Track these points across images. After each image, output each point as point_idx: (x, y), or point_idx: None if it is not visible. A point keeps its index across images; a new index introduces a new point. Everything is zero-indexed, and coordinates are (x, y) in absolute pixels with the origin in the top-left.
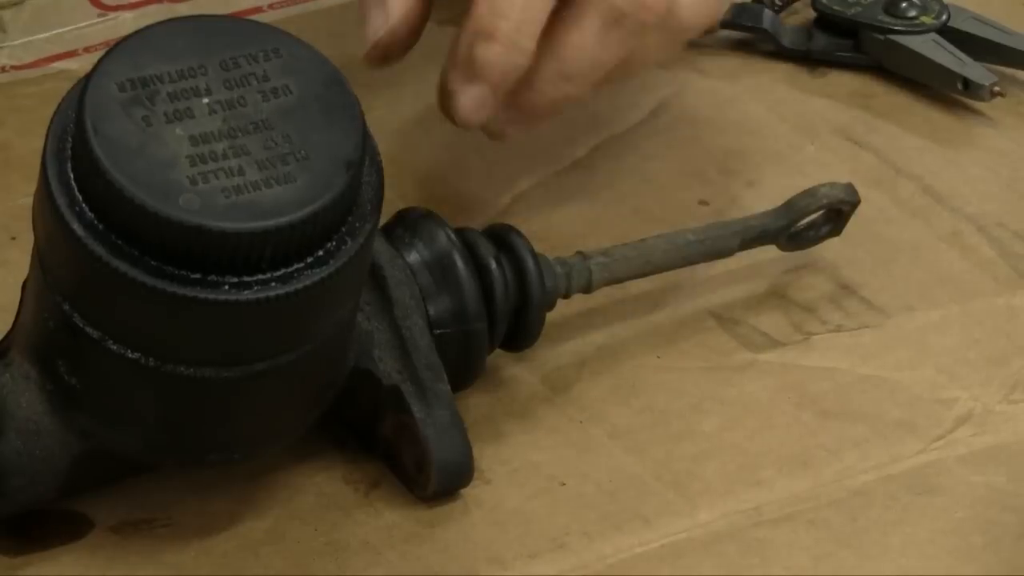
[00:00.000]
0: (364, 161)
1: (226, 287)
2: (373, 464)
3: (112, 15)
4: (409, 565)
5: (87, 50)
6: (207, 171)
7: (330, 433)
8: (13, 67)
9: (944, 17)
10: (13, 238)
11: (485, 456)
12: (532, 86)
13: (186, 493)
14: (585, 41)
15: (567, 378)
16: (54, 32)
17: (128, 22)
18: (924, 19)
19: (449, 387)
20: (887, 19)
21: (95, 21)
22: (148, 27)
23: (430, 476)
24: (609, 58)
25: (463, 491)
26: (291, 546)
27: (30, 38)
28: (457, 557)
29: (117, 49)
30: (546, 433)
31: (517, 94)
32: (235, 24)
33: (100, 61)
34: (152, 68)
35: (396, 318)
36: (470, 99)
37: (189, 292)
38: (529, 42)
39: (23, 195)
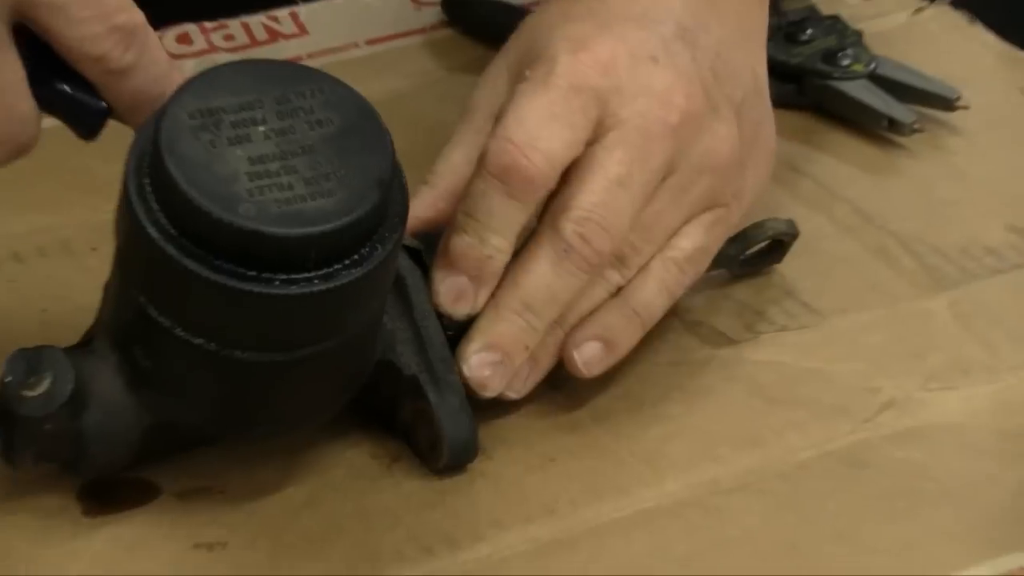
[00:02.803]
0: (393, 181)
1: (276, 283)
2: (394, 442)
3: (178, 62)
4: (424, 527)
5: None
6: (262, 186)
7: (357, 415)
8: None
9: (873, 65)
10: (94, 249)
11: (489, 436)
12: (499, 315)
13: (237, 465)
14: (541, 269)
15: (559, 373)
16: None
17: (191, 67)
18: (856, 67)
19: (459, 378)
20: (825, 67)
21: None
22: (216, 67)
23: (442, 453)
24: (565, 288)
25: (469, 466)
26: (326, 510)
27: None
28: (465, 521)
29: (189, 84)
30: (540, 417)
31: (485, 331)
32: (288, 67)
33: (175, 94)
34: (218, 100)
35: (416, 319)
36: (448, 287)
37: (245, 286)
38: (498, 240)
39: (104, 212)
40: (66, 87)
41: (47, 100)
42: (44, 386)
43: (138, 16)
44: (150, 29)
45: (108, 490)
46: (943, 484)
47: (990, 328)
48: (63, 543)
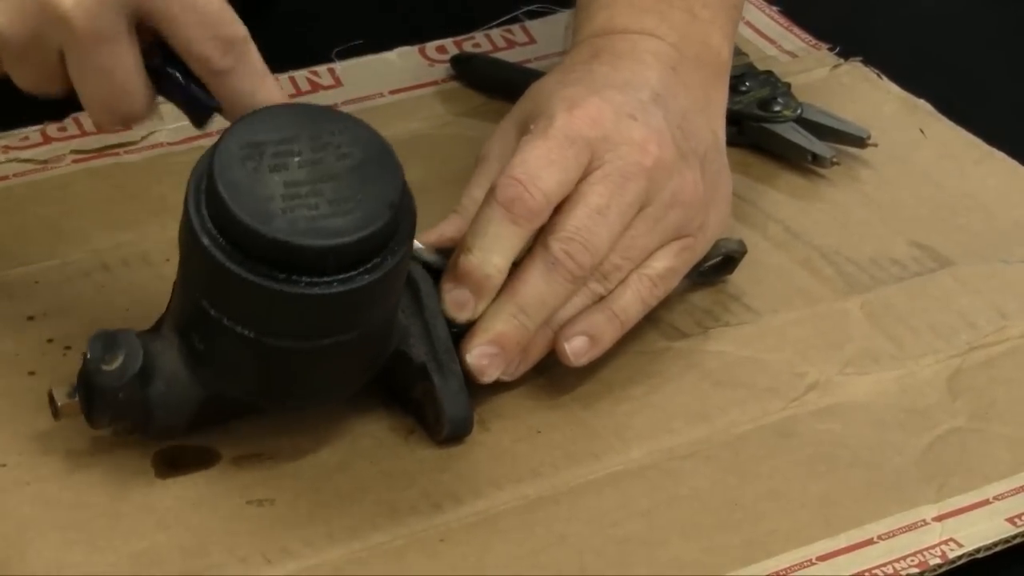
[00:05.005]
0: (402, 204)
1: (302, 284)
2: (410, 418)
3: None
4: (435, 487)
5: (217, 133)
6: (294, 205)
7: (380, 396)
8: (168, 143)
9: (799, 111)
10: (167, 260)
11: (487, 412)
12: (498, 316)
13: (283, 435)
14: (533, 279)
15: (546, 361)
16: None
17: None
18: (786, 112)
19: (459, 366)
20: (760, 112)
21: None
22: (263, 108)
23: (443, 426)
24: (553, 295)
25: (472, 436)
26: (355, 474)
27: (179, 124)
28: (468, 481)
29: (240, 121)
30: (529, 397)
31: (487, 330)
32: (321, 110)
33: (227, 129)
34: (262, 135)
35: (426, 318)
36: (453, 297)
37: (276, 286)
38: (499, 260)
39: (174, 230)
40: (182, 82)
41: (168, 91)
42: (118, 361)
43: (240, 30)
44: (251, 42)
45: (177, 456)
46: (857, 451)
47: (895, 324)
48: (139, 499)
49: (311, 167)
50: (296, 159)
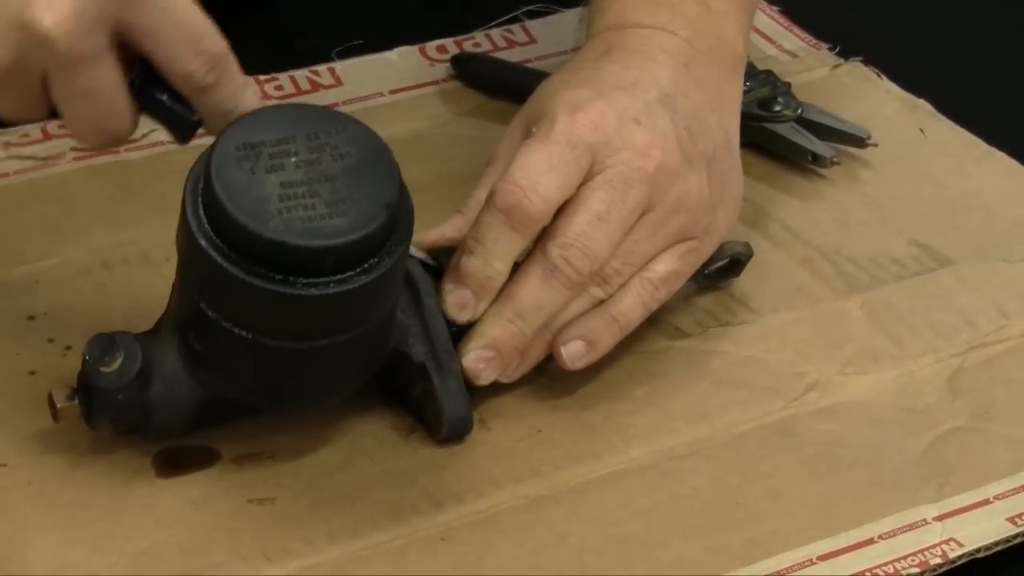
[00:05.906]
0: (399, 204)
1: (299, 285)
2: (411, 417)
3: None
4: (436, 486)
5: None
6: (291, 206)
7: (381, 396)
8: (168, 142)
9: (799, 111)
10: (168, 259)
11: (488, 412)
12: (495, 320)
13: (284, 435)
14: (531, 284)
15: (547, 361)
16: None
17: None
18: (786, 112)
19: (459, 366)
20: (760, 112)
21: None
22: (260, 108)
23: (443, 426)
24: (550, 301)
25: (472, 435)
26: (356, 473)
27: None
28: (468, 480)
29: (237, 121)
30: (530, 397)
31: (483, 334)
32: (318, 110)
33: (225, 129)
34: (259, 136)
35: (425, 317)
36: (455, 298)
37: (274, 287)
38: (500, 264)
39: (175, 229)
40: (165, 99)
41: (149, 107)
42: (117, 364)
43: (223, 43)
44: (232, 54)
45: (177, 455)
46: (857, 451)
47: (895, 324)
48: (139, 499)
49: (308, 168)
50: (293, 159)
